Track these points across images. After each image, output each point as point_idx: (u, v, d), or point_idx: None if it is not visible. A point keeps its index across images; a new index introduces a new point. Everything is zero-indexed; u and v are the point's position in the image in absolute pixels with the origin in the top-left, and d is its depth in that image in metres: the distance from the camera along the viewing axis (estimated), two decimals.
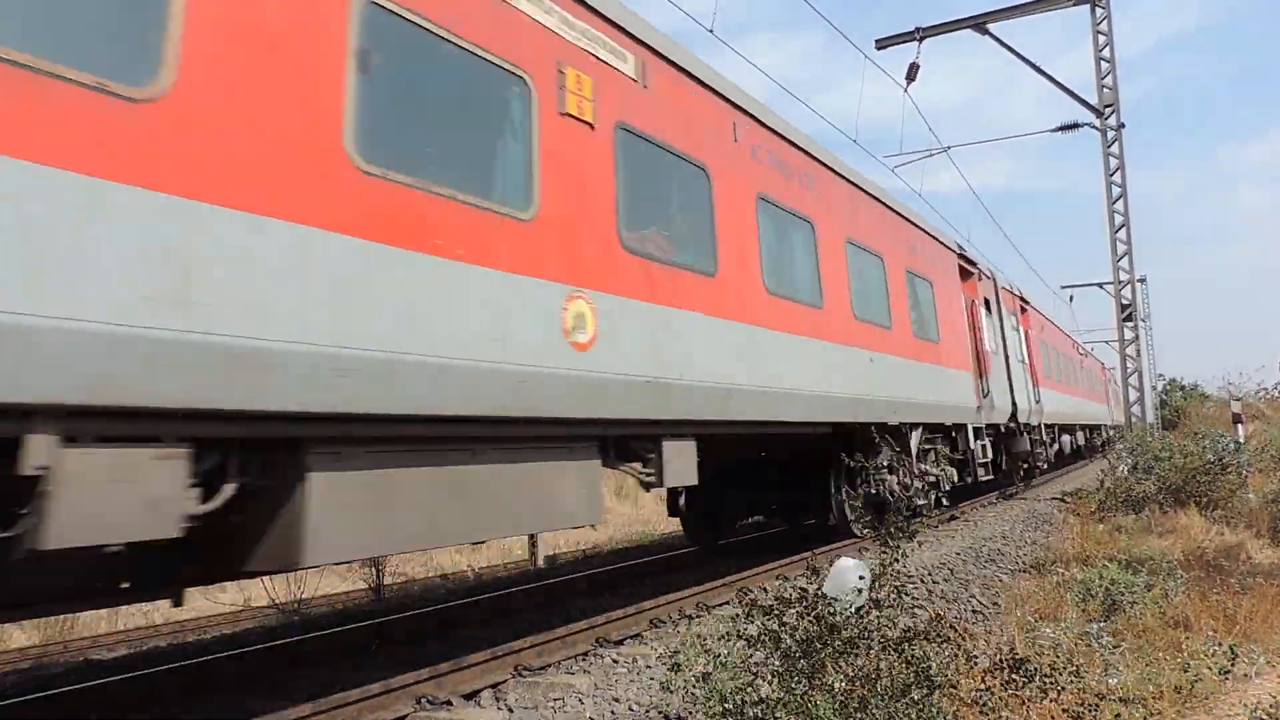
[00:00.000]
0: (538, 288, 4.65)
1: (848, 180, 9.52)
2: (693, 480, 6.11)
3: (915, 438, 10.54)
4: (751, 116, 7.39)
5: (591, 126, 5.25)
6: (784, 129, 8.02)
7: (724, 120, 6.91)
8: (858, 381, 8.80)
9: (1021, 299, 19.06)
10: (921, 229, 12.03)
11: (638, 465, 5.84)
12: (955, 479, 11.83)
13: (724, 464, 10.13)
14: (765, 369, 6.89)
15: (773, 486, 10.87)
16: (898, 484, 10.21)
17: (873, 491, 9.91)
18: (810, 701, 2.98)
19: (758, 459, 10.36)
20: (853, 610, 3.38)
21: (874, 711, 2.94)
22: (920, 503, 10.30)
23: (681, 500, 10.87)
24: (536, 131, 4.82)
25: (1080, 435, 27.35)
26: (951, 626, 3.44)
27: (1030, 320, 19.59)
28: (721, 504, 11.01)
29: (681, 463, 5.97)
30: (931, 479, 11.15)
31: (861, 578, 3.77)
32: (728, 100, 7.02)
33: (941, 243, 12.97)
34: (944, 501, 10.89)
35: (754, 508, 11.76)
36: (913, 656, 3.07)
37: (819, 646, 3.23)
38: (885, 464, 9.75)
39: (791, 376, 7.32)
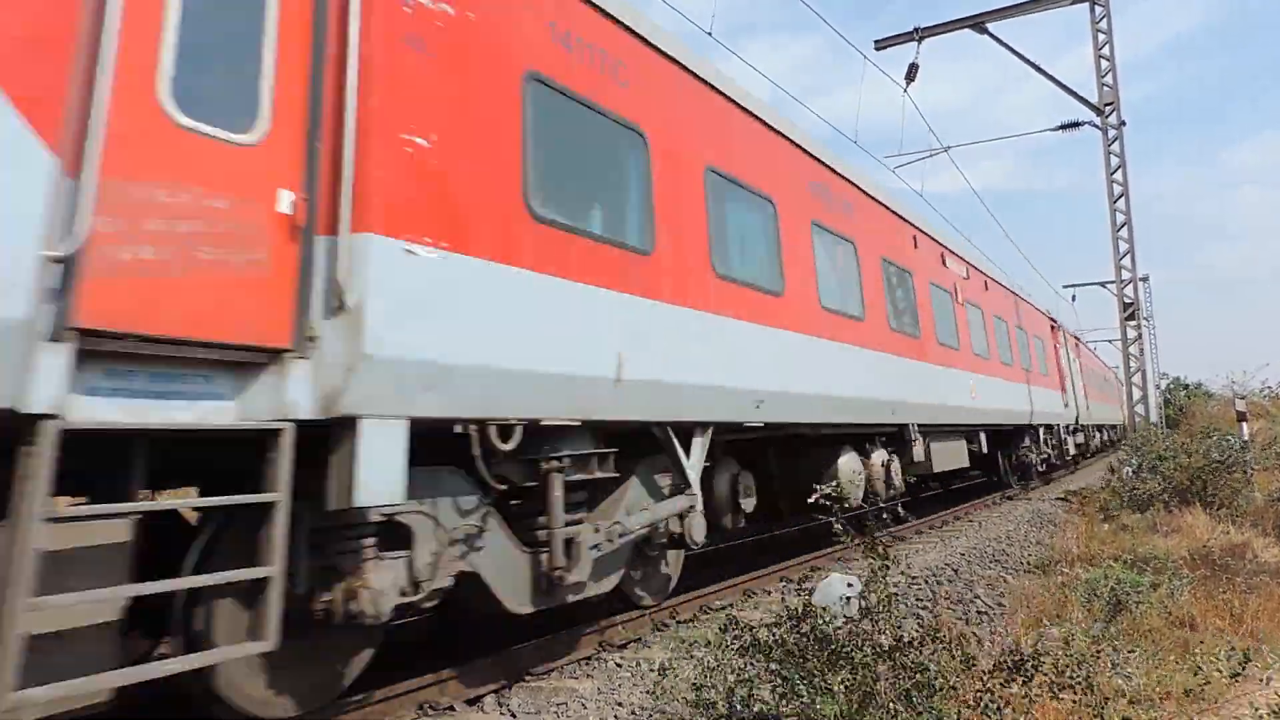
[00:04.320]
0: None
1: None
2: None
3: None
4: None
5: None
6: None
7: None
8: None
9: None
10: None
11: None
12: None
13: None
14: None
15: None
16: None
17: None
18: (813, 707, 2.97)
19: None
20: (842, 620, 3.37)
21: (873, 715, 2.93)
22: None
23: None
24: None
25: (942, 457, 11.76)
26: (946, 632, 3.43)
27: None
28: None
29: None
30: None
31: (850, 585, 3.78)
32: None
33: None
34: None
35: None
36: (907, 663, 3.05)
37: (810, 657, 3.21)
38: None
39: None
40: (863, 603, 3.44)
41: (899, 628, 3.37)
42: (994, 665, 3.36)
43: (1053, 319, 22.36)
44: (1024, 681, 3.19)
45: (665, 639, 6.08)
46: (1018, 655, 3.36)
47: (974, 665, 3.31)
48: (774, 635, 3.38)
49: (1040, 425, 18.08)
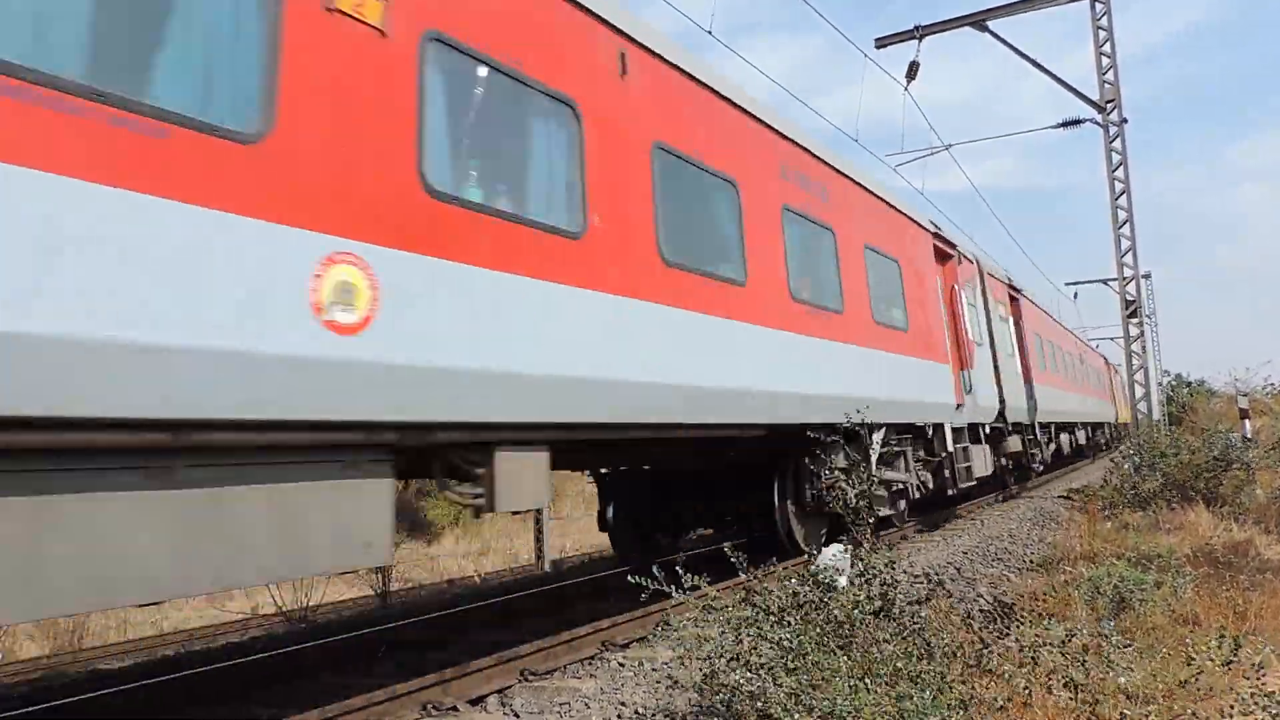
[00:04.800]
0: None
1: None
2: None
3: None
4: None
5: None
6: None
7: None
8: None
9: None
10: None
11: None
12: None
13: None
14: None
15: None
16: None
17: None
18: (819, 663, 3.05)
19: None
20: (842, 578, 3.55)
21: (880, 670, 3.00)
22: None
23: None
24: None
25: None
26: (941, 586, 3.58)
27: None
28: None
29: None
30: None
31: (844, 551, 4.03)
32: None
33: None
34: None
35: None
36: (904, 619, 3.15)
37: (816, 611, 3.34)
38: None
39: None
40: (858, 565, 3.62)
41: (893, 587, 3.60)
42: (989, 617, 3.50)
43: (947, 240, 12.31)
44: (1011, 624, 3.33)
45: (667, 638, 6.09)
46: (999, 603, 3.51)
47: (970, 623, 3.41)
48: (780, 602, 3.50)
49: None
